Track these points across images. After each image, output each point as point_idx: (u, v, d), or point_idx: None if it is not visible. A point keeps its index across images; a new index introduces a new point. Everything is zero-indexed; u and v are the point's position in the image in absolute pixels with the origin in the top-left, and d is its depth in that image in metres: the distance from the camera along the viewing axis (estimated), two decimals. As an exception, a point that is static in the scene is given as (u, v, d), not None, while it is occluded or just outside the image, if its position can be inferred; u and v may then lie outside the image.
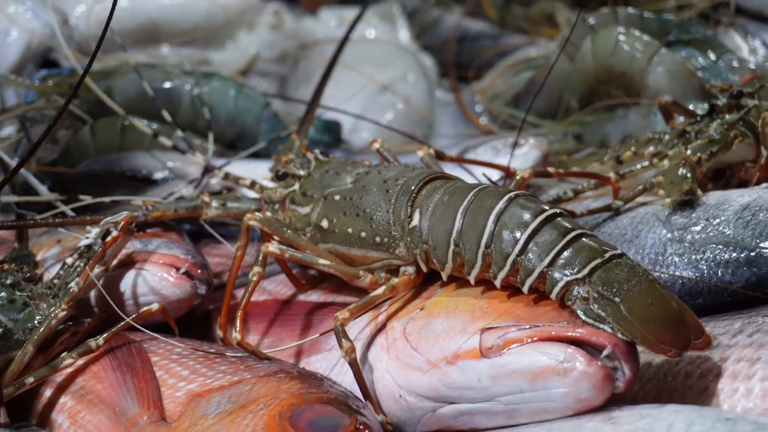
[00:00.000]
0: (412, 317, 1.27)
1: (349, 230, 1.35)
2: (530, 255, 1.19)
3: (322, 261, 1.36)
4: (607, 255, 1.17)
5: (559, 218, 1.21)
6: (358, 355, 1.25)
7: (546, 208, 1.22)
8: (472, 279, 1.25)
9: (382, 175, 1.37)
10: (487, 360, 1.17)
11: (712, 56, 1.98)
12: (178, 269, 1.42)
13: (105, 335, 1.33)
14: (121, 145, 1.82)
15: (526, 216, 1.21)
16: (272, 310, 1.44)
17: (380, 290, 1.31)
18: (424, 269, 1.31)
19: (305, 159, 1.50)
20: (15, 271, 1.39)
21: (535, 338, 1.15)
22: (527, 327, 1.16)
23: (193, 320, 1.50)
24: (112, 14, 1.38)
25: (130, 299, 1.43)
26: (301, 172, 1.47)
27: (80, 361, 1.33)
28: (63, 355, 1.32)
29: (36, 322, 1.33)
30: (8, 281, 1.37)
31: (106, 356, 1.33)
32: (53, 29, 2.17)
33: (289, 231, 1.39)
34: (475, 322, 1.20)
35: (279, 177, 1.49)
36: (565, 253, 1.18)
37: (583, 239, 1.19)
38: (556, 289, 1.17)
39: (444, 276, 1.28)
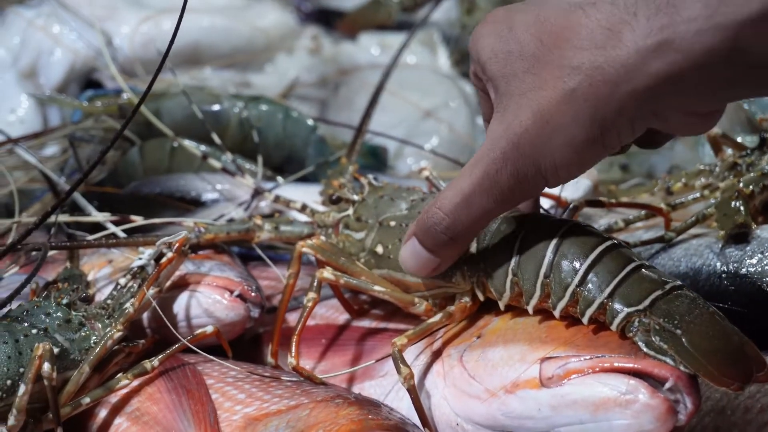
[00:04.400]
0: (469, 345, 1.26)
1: (405, 257, 1.35)
2: (590, 286, 1.18)
3: (377, 288, 1.35)
4: (667, 287, 1.16)
5: (618, 249, 1.20)
6: (415, 381, 1.24)
7: (605, 238, 1.22)
8: (530, 309, 1.24)
9: (438, 203, 1.37)
10: (548, 390, 1.16)
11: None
12: (231, 292, 1.42)
13: (160, 356, 1.32)
14: (170, 166, 1.82)
15: (585, 246, 1.21)
16: (323, 336, 1.44)
17: (437, 317, 1.30)
18: (481, 298, 1.31)
19: (358, 184, 1.50)
20: (70, 291, 1.37)
21: (597, 369, 1.14)
22: (588, 357, 1.16)
23: (242, 344, 1.49)
24: (173, 42, 1.37)
25: (183, 321, 1.42)
26: (355, 197, 1.47)
27: (135, 382, 1.32)
28: (118, 376, 1.31)
29: (92, 342, 1.32)
30: (64, 301, 1.35)
31: (161, 378, 1.32)
32: (98, 50, 2.18)
33: (342, 258, 1.39)
34: (535, 351, 1.20)
35: (332, 201, 1.49)
36: (625, 284, 1.17)
37: (643, 270, 1.18)
38: (617, 321, 1.16)
39: (501, 305, 1.27)
